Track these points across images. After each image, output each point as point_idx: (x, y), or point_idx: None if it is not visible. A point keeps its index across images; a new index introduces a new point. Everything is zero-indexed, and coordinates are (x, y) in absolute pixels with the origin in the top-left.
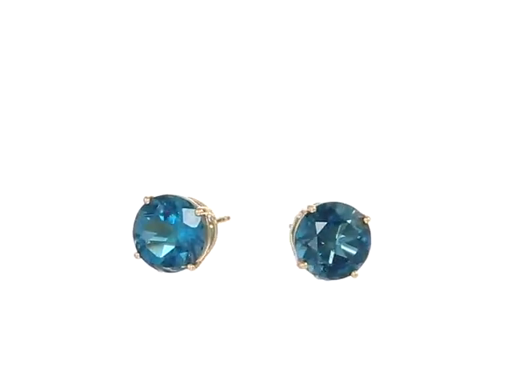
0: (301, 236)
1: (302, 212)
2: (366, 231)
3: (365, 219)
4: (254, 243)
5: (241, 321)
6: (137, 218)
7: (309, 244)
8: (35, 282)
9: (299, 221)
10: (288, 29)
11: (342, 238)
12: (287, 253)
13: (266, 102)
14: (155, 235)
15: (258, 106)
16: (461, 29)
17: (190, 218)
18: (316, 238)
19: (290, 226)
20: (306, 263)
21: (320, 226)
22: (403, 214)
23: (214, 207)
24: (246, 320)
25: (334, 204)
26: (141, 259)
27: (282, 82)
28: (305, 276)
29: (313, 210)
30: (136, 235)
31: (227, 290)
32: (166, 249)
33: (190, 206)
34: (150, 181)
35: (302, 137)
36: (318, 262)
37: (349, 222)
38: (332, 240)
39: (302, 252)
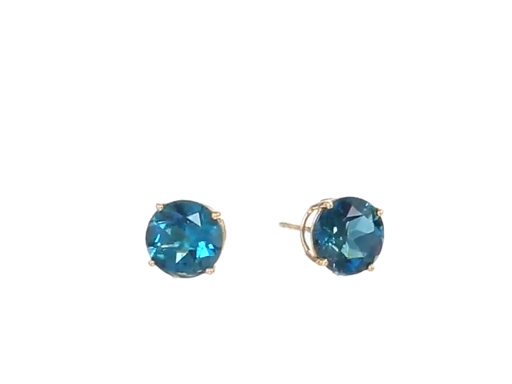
0: (319, 232)
1: (312, 208)
2: (380, 224)
3: (378, 212)
4: (255, 242)
5: (258, 321)
6: (149, 225)
7: (327, 240)
8: (48, 291)
9: (315, 217)
10: (292, 27)
11: (358, 232)
12: (289, 251)
13: (265, 102)
14: (171, 242)
15: (257, 106)
16: (461, 29)
17: (206, 222)
18: (335, 233)
19: (282, 224)
20: (325, 260)
21: (338, 221)
22: (402, 208)
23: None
24: (262, 320)
25: (349, 198)
26: (155, 266)
27: (283, 82)
28: (320, 273)
29: (330, 205)
30: (150, 243)
31: (240, 291)
32: (183, 254)
33: (205, 210)
34: (152, 185)
35: (298, 133)
36: (338, 258)
37: (364, 215)
38: (350, 234)
39: (321, 249)
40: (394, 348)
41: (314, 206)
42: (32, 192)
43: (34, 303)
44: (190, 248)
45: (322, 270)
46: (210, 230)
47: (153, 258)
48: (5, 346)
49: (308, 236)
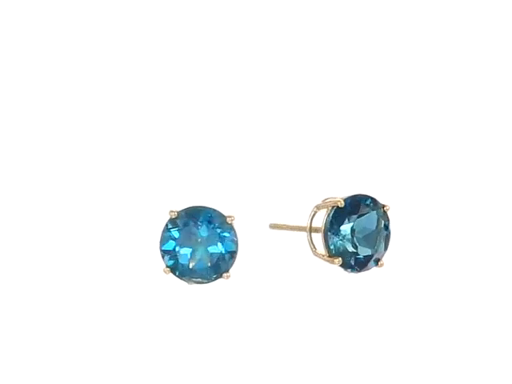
0: (331, 231)
1: (318, 207)
2: (388, 220)
3: (385, 208)
4: (254, 243)
5: (270, 321)
6: (163, 233)
7: (340, 239)
8: (63, 299)
9: (325, 216)
10: (292, 26)
11: (368, 229)
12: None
13: (264, 103)
14: (186, 248)
15: (257, 106)
16: (461, 28)
17: (222, 227)
18: (346, 231)
19: (272, 226)
20: (338, 258)
21: (349, 218)
22: (405, 203)
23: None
24: (274, 320)
25: (358, 196)
26: (171, 274)
27: (284, 82)
28: (329, 272)
29: (341, 204)
30: (165, 251)
31: (250, 294)
32: (199, 261)
33: (219, 214)
34: (159, 192)
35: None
36: (350, 256)
37: (373, 212)
38: (360, 232)
39: (333, 248)
40: (407, 344)
41: (320, 205)
42: (42, 199)
43: (49, 311)
44: (206, 254)
45: (330, 268)
46: (226, 234)
47: (168, 266)
48: (13, 350)
49: (315, 236)
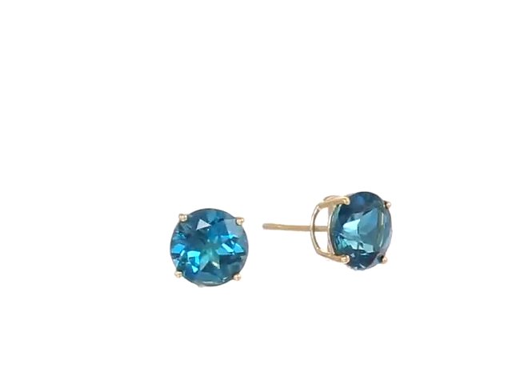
0: (338, 230)
1: (321, 206)
2: (389, 216)
3: (387, 204)
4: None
5: (277, 321)
6: (173, 236)
7: (347, 237)
8: (76, 302)
9: (331, 214)
10: (293, 24)
11: (373, 226)
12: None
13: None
14: (197, 251)
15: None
16: (461, 29)
17: (233, 229)
18: (355, 229)
19: (266, 225)
20: (346, 257)
21: (357, 216)
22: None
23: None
24: (281, 319)
25: (363, 193)
26: (182, 277)
27: (282, 81)
28: (333, 270)
29: (347, 201)
30: (175, 254)
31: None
32: (210, 263)
33: (229, 217)
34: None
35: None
36: (356, 254)
37: (377, 209)
38: (367, 229)
39: (340, 246)
40: (412, 341)
41: (323, 203)
42: (49, 201)
43: (57, 314)
44: (216, 256)
45: (331, 267)
46: (236, 235)
47: (178, 269)
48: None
49: (318, 234)
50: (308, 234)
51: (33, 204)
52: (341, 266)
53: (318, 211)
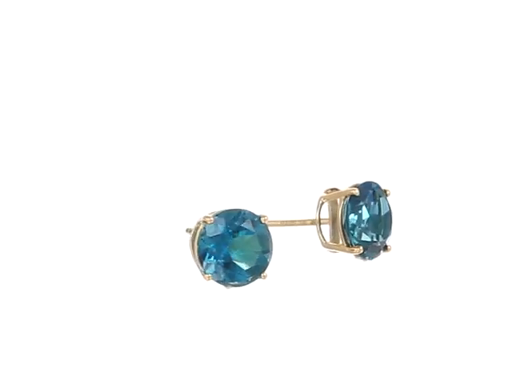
0: (352, 222)
1: (325, 198)
2: (389, 205)
3: (387, 192)
4: None
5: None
6: (199, 239)
7: (361, 227)
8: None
9: (341, 206)
10: (290, 21)
11: (378, 215)
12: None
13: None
14: (225, 253)
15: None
16: (461, 28)
17: (259, 228)
18: (368, 219)
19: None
20: (360, 248)
21: (369, 207)
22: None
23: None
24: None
25: (368, 183)
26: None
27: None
28: (339, 262)
29: (356, 192)
30: (203, 257)
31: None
32: (240, 263)
33: (253, 216)
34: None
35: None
36: (371, 244)
37: (382, 198)
38: (378, 218)
39: (354, 237)
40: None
41: (328, 196)
42: (52, 205)
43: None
44: (245, 256)
45: (335, 259)
46: (262, 234)
47: (206, 272)
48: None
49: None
50: (302, 228)
51: (42, 206)
52: (346, 258)
53: (322, 203)
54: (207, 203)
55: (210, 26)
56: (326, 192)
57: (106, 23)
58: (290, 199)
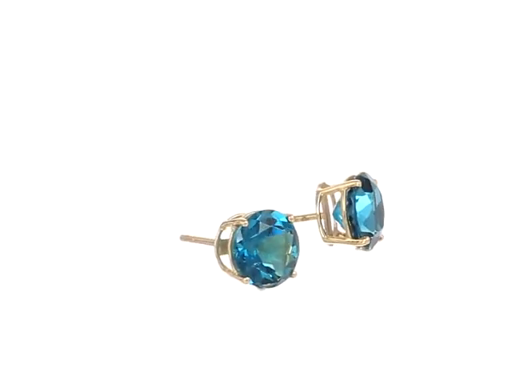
0: (362, 214)
1: (324, 193)
2: (381, 194)
3: (376, 182)
4: None
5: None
6: (233, 241)
7: (365, 219)
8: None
9: (343, 199)
10: (289, 20)
11: (376, 205)
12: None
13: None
14: (265, 254)
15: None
16: (461, 29)
17: (287, 227)
18: (372, 210)
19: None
20: (367, 238)
21: (371, 197)
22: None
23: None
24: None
25: (363, 173)
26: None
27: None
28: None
29: (359, 184)
30: (237, 259)
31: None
32: (280, 263)
33: (281, 215)
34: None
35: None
36: (374, 235)
37: (376, 189)
38: (378, 209)
39: (359, 229)
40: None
41: (326, 190)
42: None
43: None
44: (281, 257)
45: (338, 251)
46: (292, 233)
47: (242, 275)
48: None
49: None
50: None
51: (42, 206)
52: (344, 250)
53: (321, 197)
54: (207, 203)
55: (210, 26)
56: (322, 186)
57: (106, 23)
58: (280, 195)
